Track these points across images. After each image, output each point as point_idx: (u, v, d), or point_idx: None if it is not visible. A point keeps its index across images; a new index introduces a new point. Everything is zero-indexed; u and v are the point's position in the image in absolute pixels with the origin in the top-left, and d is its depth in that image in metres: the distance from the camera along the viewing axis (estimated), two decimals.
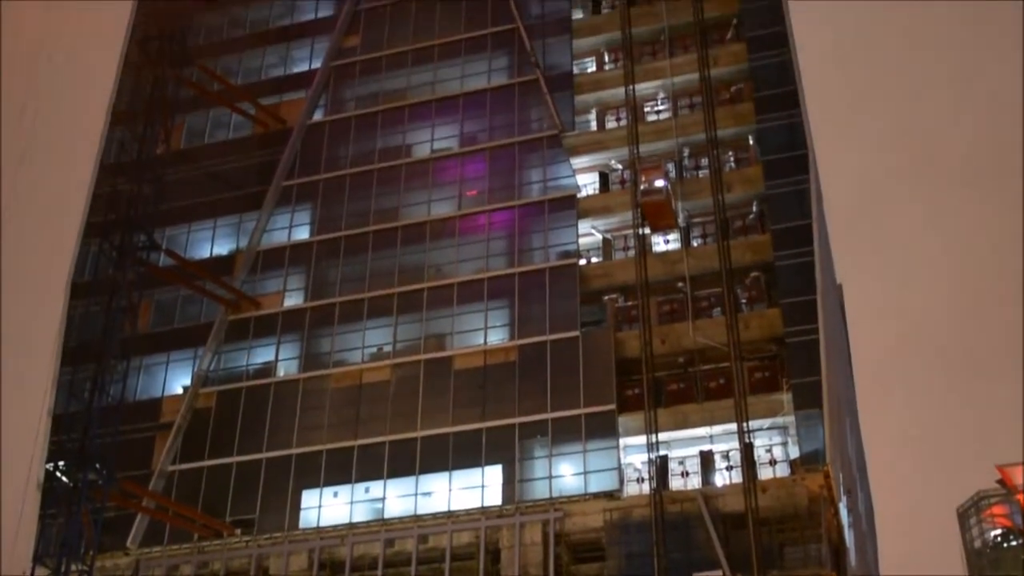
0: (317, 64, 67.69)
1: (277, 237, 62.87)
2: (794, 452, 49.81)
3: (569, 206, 58.53)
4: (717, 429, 50.97)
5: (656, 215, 56.17)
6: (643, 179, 56.29)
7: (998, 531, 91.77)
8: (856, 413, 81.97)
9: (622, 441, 51.41)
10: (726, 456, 50.85)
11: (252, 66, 69.79)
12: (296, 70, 68.58)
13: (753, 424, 49.90)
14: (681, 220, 56.98)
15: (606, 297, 56.02)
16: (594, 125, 62.32)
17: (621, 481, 50.50)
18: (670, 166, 57.69)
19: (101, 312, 54.67)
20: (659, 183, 55.80)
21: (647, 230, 57.00)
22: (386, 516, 52.94)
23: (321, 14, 70.05)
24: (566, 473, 51.47)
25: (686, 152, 59.16)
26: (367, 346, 57.89)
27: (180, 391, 59.56)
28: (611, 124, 61.93)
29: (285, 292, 61.13)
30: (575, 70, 63.16)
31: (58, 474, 52.37)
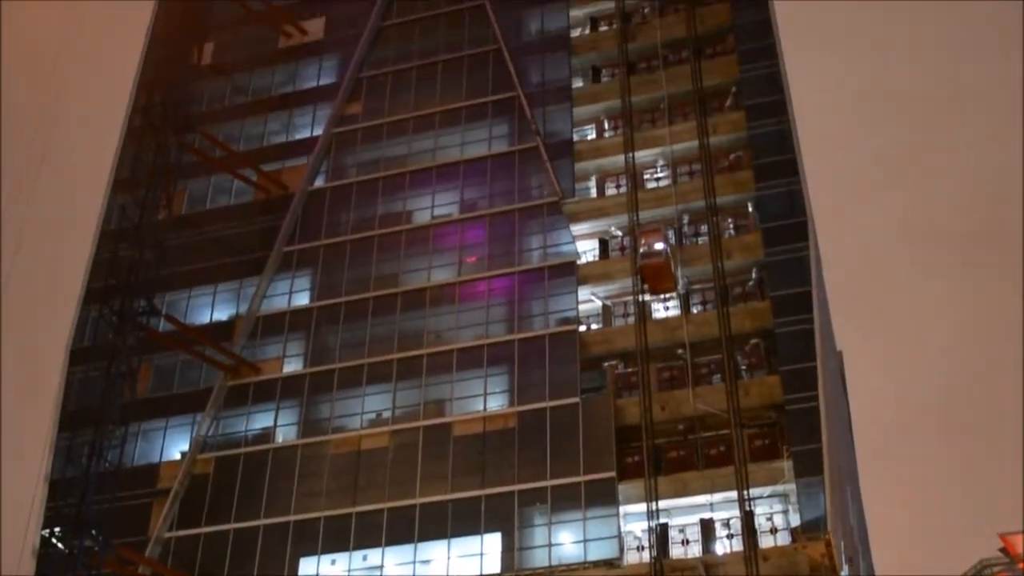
0: (319, 131, 68.15)
1: (277, 303, 62.91)
2: (795, 520, 49.44)
3: (569, 273, 58.63)
4: (718, 497, 50.60)
5: (656, 278, 56.28)
6: (642, 242, 56.49)
7: None
8: (857, 481, 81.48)
9: (622, 509, 51.04)
10: (727, 524, 50.49)
11: (254, 132, 70.24)
12: (298, 137, 69.03)
13: (754, 492, 49.57)
14: (681, 287, 57.05)
15: (606, 364, 55.89)
16: (594, 192, 62.58)
17: (621, 549, 50.07)
18: (670, 232, 57.85)
19: (100, 377, 54.68)
20: (658, 246, 55.97)
21: (647, 296, 57.06)
22: None
23: (323, 81, 70.64)
24: (566, 541, 51.06)
25: (686, 219, 59.37)
26: (366, 412, 57.71)
27: (178, 457, 59.26)
28: (611, 191, 62.19)
29: (285, 358, 61.03)
30: (575, 137, 63.55)
31: (54, 540, 52.04)
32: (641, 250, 56.38)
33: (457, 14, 70.03)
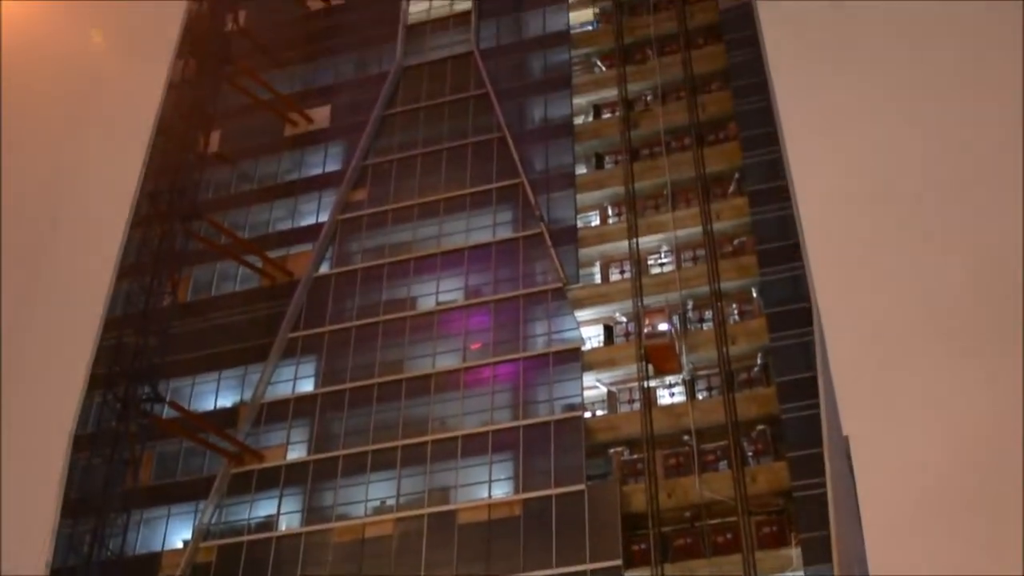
0: (324, 217, 68.53)
1: (282, 389, 62.82)
2: None
3: (574, 359, 58.56)
4: None
5: (661, 359, 56.25)
6: (647, 323, 56.59)
7: None
8: (866, 566, 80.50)
9: None
10: None
11: (260, 219, 70.62)
12: (303, 223, 69.40)
13: None
14: (686, 372, 56.99)
15: (611, 450, 55.65)
16: (598, 278, 62.75)
17: None
18: (675, 318, 57.89)
19: (103, 464, 54.39)
20: (663, 326, 56.05)
21: (653, 381, 56.95)
22: None
23: (329, 168, 71.17)
24: None
25: (690, 304, 59.47)
26: (370, 499, 57.36)
27: (180, 545, 58.77)
28: (615, 277, 62.33)
29: (289, 445, 60.76)
30: (579, 223, 63.87)
31: None
32: (646, 330, 56.44)
33: (461, 102, 70.83)
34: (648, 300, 59.02)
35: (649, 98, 68.11)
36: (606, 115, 68.76)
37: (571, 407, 56.99)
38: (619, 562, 50.84)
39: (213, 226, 67.67)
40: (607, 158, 67.19)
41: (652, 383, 57.22)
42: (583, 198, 64.89)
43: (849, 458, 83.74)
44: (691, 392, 56.90)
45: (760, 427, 54.11)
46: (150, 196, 65.67)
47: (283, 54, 76.85)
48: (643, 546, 51.69)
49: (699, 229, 60.85)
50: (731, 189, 62.49)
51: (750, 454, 53.73)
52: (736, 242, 60.80)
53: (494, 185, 66.30)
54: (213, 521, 59.00)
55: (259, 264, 67.16)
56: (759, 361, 56.75)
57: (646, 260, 62.05)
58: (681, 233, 61.45)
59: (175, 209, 63.71)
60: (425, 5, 77.16)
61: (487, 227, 65.07)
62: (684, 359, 56.77)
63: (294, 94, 74.94)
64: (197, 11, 76.25)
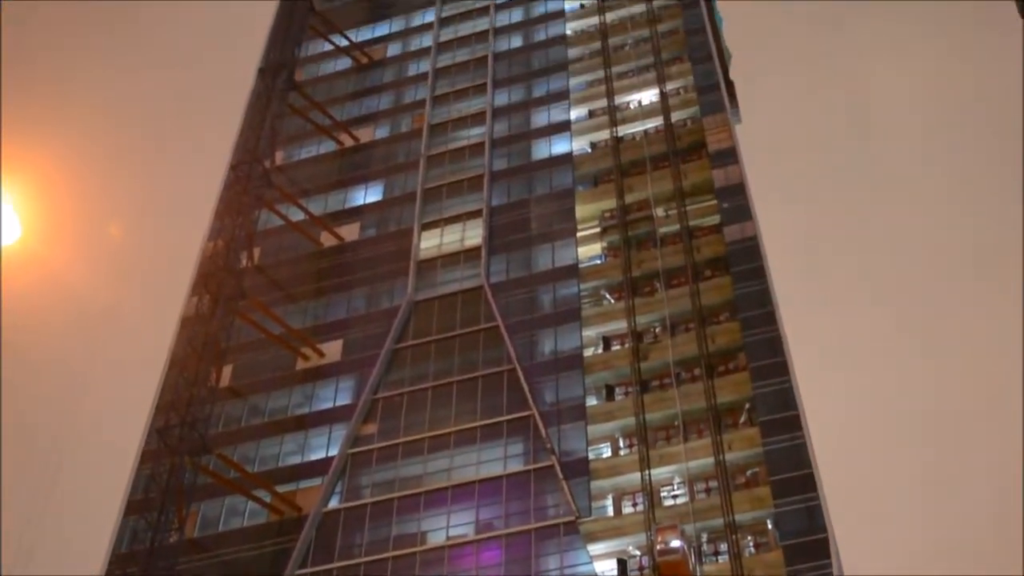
0: (334, 451, 68.19)
1: None
2: None
3: None
4: None
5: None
6: (659, 539, 55.55)
7: None
8: None
9: None
10: None
11: (270, 453, 70.31)
12: (313, 457, 69.03)
13: None
14: None
15: None
16: (611, 511, 61.96)
17: None
18: (690, 547, 56.85)
19: None
20: (675, 543, 54.92)
21: None
22: None
23: (339, 402, 71.27)
24: None
25: (704, 537, 58.47)
26: None
27: None
28: (628, 509, 61.54)
29: None
30: (591, 456, 63.45)
31: None
32: (658, 547, 55.34)
33: (472, 335, 71.49)
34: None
35: (658, 330, 68.72)
36: (616, 347, 69.22)
37: None
38: None
39: (222, 460, 67.33)
40: (618, 389, 67.25)
41: None
42: (594, 430, 64.66)
43: None
44: None
45: None
46: (159, 432, 65.58)
47: (296, 289, 78.09)
48: None
49: (711, 460, 60.42)
50: (742, 419, 62.35)
51: None
52: (749, 473, 60.28)
53: (505, 418, 66.19)
54: None
55: (268, 499, 66.48)
56: None
57: (659, 492, 61.36)
58: (693, 465, 60.99)
59: (184, 444, 63.51)
60: (436, 241, 78.79)
61: (498, 460, 64.65)
62: None
63: (306, 328, 75.76)
64: (213, 248, 77.84)
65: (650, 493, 60.20)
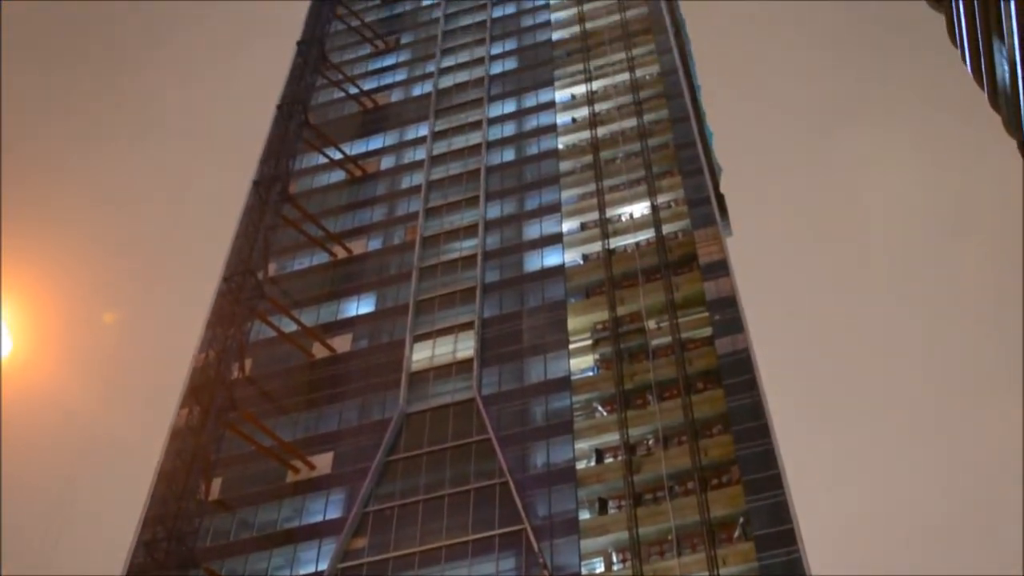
0: (324, 566, 67.27)
1: None
2: None
3: None
4: None
5: None
6: None
7: None
8: None
9: None
10: None
11: (258, 568, 69.30)
12: (302, 572, 68.04)
13: None
14: None
15: None
16: None
17: None
18: None
19: None
20: None
21: None
22: None
23: (330, 516, 70.48)
24: None
25: None
26: None
27: None
28: None
29: None
30: (584, 570, 62.63)
31: None
32: None
33: (464, 448, 71.02)
34: None
35: (651, 442, 68.30)
36: (608, 459, 68.72)
37: None
38: None
39: (210, 575, 66.35)
40: (611, 503, 66.63)
41: None
42: (587, 544, 63.91)
43: None
44: None
45: None
46: (146, 545, 64.70)
47: (288, 401, 77.78)
48: None
49: (707, 575, 59.61)
50: (736, 534, 61.68)
51: None
52: None
53: (497, 531, 65.47)
54: None
55: None
56: None
57: None
58: None
59: (172, 558, 62.66)
60: (428, 353, 78.74)
61: (490, 575, 63.77)
62: None
63: (297, 440, 75.26)
64: (204, 359, 77.72)
65: None
